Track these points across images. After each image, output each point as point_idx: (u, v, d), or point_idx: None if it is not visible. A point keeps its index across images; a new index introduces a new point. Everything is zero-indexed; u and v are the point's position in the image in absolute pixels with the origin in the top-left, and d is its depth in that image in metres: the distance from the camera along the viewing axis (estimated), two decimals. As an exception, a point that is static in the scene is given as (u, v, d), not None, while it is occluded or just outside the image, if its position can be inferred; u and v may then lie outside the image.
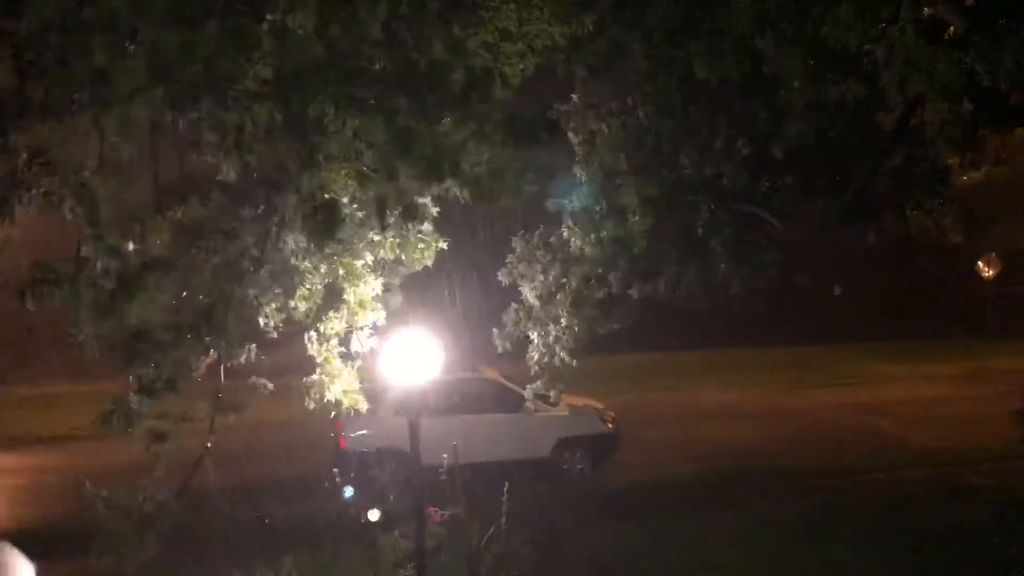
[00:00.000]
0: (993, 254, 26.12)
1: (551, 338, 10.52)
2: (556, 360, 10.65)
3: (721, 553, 9.92)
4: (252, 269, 6.11)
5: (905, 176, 10.12)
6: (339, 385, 6.97)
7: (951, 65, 6.94)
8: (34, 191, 5.05)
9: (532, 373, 11.24)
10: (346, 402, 7.06)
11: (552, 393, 12.04)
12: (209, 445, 5.83)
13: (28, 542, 11.49)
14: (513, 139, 6.12)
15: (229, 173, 5.57)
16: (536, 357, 10.86)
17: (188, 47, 4.85)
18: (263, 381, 6.52)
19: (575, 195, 9.94)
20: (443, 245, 7.63)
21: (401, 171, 5.82)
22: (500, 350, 11.25)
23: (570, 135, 9.72)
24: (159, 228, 5.46)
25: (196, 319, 5.57)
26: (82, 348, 5.60)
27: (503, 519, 8.26)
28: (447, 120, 5.90)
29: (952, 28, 7.74)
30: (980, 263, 26.18)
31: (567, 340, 10.39)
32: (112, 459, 5.94)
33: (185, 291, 5.56)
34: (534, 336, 10.75)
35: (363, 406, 7.22)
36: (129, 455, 6.07)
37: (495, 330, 11.34)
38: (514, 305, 10.99)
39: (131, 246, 5.34)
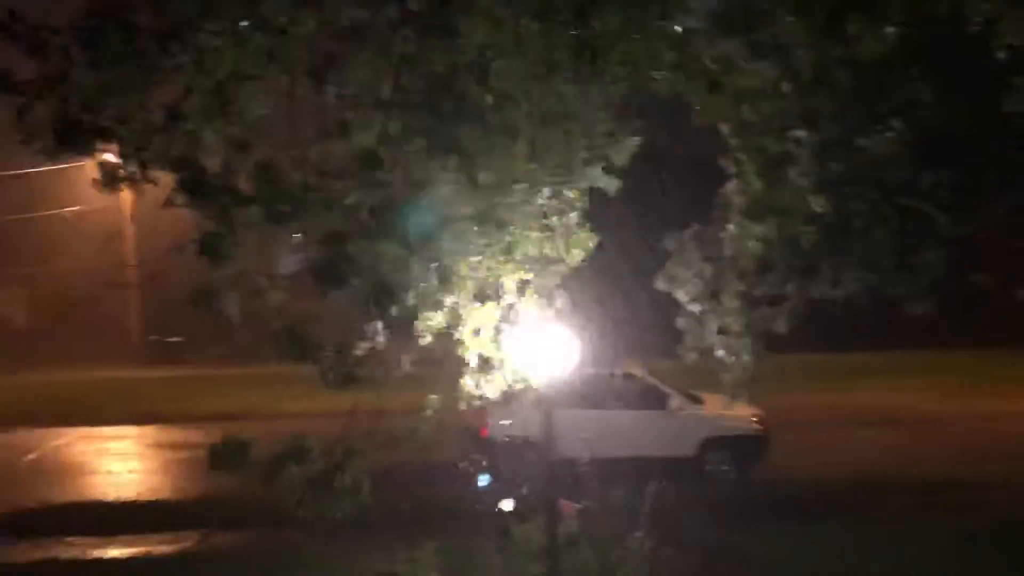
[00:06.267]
0: None
1: (731, 343, 10.04)
2: (738, 367, 10.12)
3: (868, 564, 9.38)
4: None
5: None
6: (504, 372, 6.83)
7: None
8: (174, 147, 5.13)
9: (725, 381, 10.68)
10: (521, 386, 6.93)
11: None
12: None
13: (196, 512, 12.43)
14: None
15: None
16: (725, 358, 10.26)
17: None
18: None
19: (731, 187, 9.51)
20: (593, 242, 7.46)
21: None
22: (688, 363, 10.71)
23: (721, 126, 9.29)
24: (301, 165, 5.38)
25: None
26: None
27: (642, 516, 8.10)
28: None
29: None
30: None
31: (746, 343, 9.96)
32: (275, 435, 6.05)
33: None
34: (720, 351, 10.23)
35: (535, 387, 7.07)
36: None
37: (678, 348, 10.80)
38: (681, 316, 10.52)
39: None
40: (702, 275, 10.04)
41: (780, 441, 14.04)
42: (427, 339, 6.66)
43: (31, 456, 17.50)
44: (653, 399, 14.04)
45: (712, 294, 9.84)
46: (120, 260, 31.45)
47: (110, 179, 5.23)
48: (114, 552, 11.34)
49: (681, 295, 10.17)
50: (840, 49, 7.72)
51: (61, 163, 5.63)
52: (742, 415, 13.88)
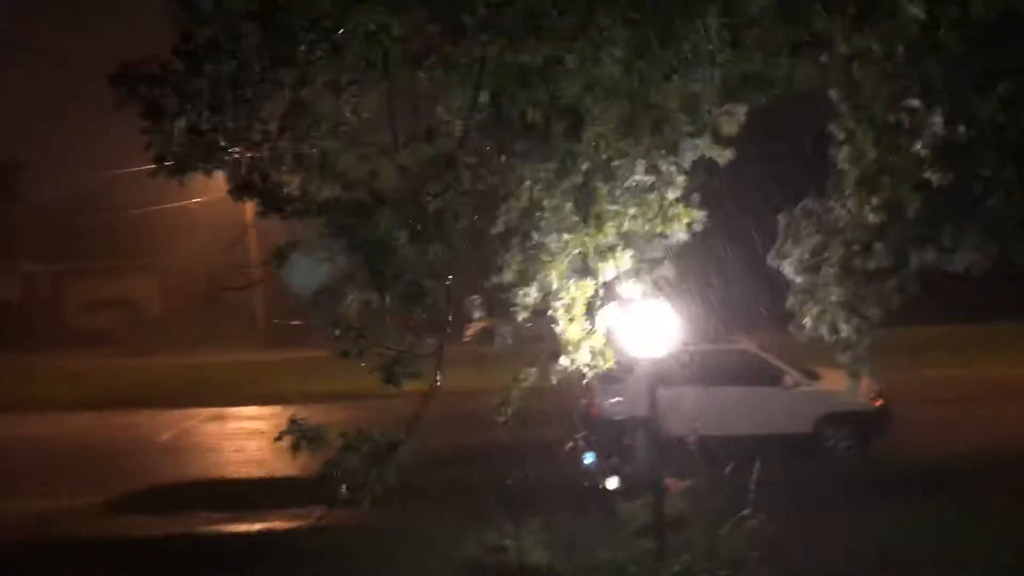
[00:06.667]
0: None
1: (843, 318, 9.72)
2: (855, 343, 9.78)
3: (993, 548, 8.93)
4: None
5: None
6: (586, 349, 6.84)
7: None
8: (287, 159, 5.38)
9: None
10: (599, 364, 6.93)
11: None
12: (438, 382, 6.01)
13: (318, 488, 12.88)
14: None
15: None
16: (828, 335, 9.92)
17: None
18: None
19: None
20: (695, 217, 7.33)
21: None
22: (799, 340, 10.42)
23: (831, 92, 8.95)
24: (387, 171, 5.57)
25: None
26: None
27: (750, 494, 7.98)
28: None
29: None
30: None
31: (858, 319, 9.62)
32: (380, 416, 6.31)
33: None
34: (808, 320, 9.92)
35: (611, 364, 7.02)
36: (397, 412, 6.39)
37: (791, 327, 10.53)
38: (790, 293, 10.22)
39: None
40: (813, 250, 9.73)
41: (904, 417, 13.54)
42: (522, 315, 6.73)
43: (166, 435, 18.49)
44: (767, 375, 13.76)
45: (823, 268, 9.53)
46: (245, 246, 32.67)
47: (239, 189, 5.56)
48: (243, 527, 11.87)
49: (791, 271, 9.90)
50: (954, 8, 7.36)
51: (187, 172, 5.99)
52: (862, 390, 13.43)
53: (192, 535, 11.59)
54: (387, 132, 5.66)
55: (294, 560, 10.15)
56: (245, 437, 18.12)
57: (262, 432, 18.32)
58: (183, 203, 34.06)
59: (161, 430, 18.78)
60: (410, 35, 5.26)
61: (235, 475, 14.91)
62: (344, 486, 5.96)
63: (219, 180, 5.72)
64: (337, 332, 5.76)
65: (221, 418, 20.19)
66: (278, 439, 5.99)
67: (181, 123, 5.05)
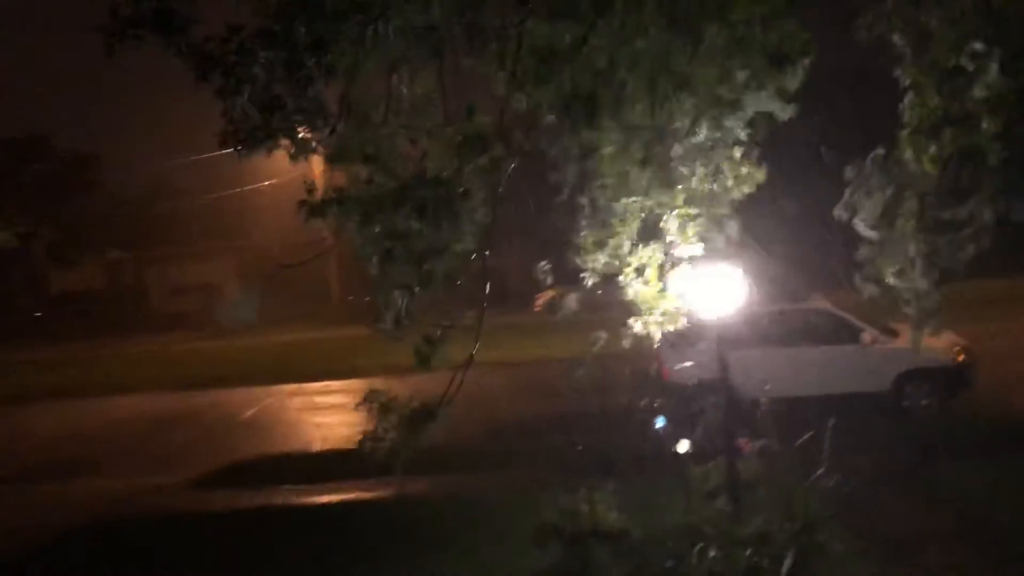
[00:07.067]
0: None
1: (903, 268, 9.49)
2: (924, 298, 9.54)
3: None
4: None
5: None
6: (658, 311, 6.82)
7: None
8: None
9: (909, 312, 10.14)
10: (668, 325, 6.90)
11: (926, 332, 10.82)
12: (474, 352, 6.11)
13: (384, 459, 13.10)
14: None
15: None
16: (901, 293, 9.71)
17: None
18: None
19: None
20: (760, 174, 7.22)
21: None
22: (865, 295, 10.22)
23: (895, 37, 8.68)
24: (433, 148, 5.65)
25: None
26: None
27: (824, 454, 7.88)
28: None
29: None
30: None
31: (923, 268, 9.38)
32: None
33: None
34: (888, 276, 9.70)
35: (680, 323, 7.00)
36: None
37: (856, 277, 10.32)
38: (863, 246, 10.00)
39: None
40: (886, 202, 9.46)
41: (987, 371, 13.14)
42: (593, 280, 6.75)
43: (249, 412, 19.03)
44: (844, 334, 13.49)
45: (898, 221, 9.27)
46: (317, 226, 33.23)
47: (300, 151, 5.71)
48: (324, 498, 12.16)
49: (863, 225, 9.64)
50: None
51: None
52: (942, 346, 13.10)
53: (276, 507, 11.94)
54: (437, 114, 5.72)
55: (376, 528, 10.40)
56: (325, 411, 18.52)
57: (342, 405, 18.76)
58: (255, 186, 34.81)
59: (244, 407, 19.33)
60: (455, 16, 5.28)
61: (317, 448, 15.26)
62: (382, 453, 6.11)
63: (288, 162, 5.88)
64: (384, 319, 5.89)
65: (301, 393, 20.66)
66: (358, 406, 6.19)
67: (237, 102, 5.15)
